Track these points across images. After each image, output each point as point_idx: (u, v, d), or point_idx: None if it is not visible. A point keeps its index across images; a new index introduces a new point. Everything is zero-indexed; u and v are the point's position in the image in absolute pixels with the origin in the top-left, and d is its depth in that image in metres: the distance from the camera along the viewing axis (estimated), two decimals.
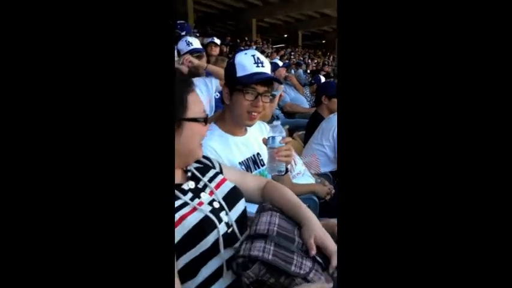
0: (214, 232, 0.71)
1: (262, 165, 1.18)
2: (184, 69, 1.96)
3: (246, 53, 1.13)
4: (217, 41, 3.61)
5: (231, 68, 1.11)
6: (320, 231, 0.74)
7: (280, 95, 2.83)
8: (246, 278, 0.66)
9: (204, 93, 1.83)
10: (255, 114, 1.10)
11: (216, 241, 0.71)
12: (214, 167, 0.89)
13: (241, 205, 0.82)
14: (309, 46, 18.38)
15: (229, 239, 0.74)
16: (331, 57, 15.30)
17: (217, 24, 14.67)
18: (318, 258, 0.71)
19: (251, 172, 1.14)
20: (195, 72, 2.07)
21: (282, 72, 3.85)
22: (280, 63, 4.08)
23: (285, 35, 17.85)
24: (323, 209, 1.37)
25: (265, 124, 1.29)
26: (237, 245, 0.73)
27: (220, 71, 1.89)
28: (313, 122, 2.32)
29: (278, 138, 0.99)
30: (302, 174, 1.49)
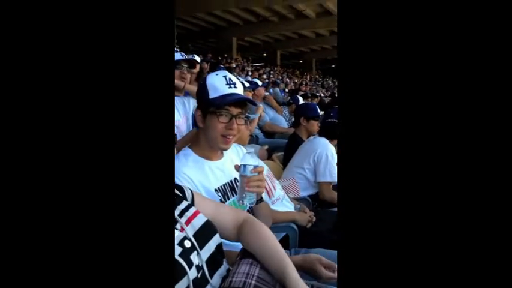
0: (184, 279, 0.64)
1: None
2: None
3: (217, 74, 1.09)
4: (198, 58, 3.58)
5: (202, 90, 1.07)
6: None
7: (260, 115, 2.82)
8: None
9: (181, 113, 1.77)
10: (230, 137, 1.06)
11: None
12: (186, 198, 0.82)
13: (213, 242, 0.75)
14: (287, 65, 18.85)
15: (199, 284, 0.67)
16: (308, 76, 15.74)
17: (198, 41, 14.77)
18: None
19: (228, 199, 1.08)
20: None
21: (262, 91, 3.86)
22: (260, 83, 4.10)
23: (264, 54, 18.23)
24: (303, 237, 1.33)
25: (242, 147, 1.25)
26: None
27: None
28: (292, 143, 2.30)
29: (249, 168, 0.94)
30: (281, 200, 1.45)
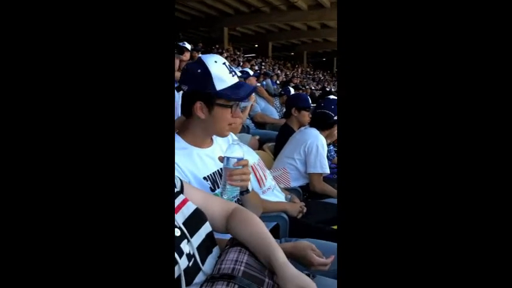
0: (175, 269, 0.62)
1: None
2: None
3: (216, 62, 1.03)
4: (188, 46, 3.50)
5: (205, 81, 1.00)
6: (296, 282, 0.65)
7: (252, 105, 2.79)
8: None
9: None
10: (236, 124, 1.06)
11: (178, 279, 0.62)
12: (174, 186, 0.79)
13: (203, 230, 0.72)
14: (279, 57, 18.77)
15: (191, 272, 0.65)
16: (300, 69, 15.71)
17: (188, 30, 14.52)
18: None
19: (218, 187, 1.06)
20: None
21: (253, 81, 3.82)
22: (251, 72, 4.06)
23: (256, 45, 18.09)
24: (293, 227, 1.32)
25: (232, 134, 1.22)
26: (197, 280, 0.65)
27: None
28: (283, 134, 2.29)
29: (232, 160, 0.92)
30: (272, 189, 1.43)
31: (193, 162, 1.03)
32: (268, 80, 6.44)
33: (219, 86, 1.00)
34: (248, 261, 0.67)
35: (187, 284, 0.63)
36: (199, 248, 0.68)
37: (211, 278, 0.63)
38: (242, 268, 0.65)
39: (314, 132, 1.90)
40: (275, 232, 1.26)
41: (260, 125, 3.71)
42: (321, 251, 0.89)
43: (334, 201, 1.70)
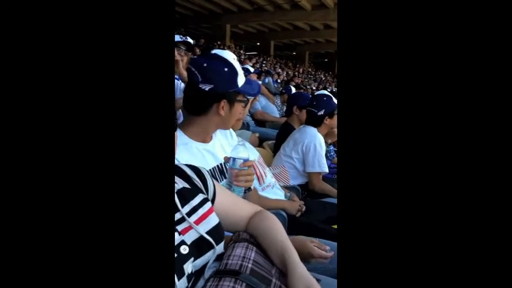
0: None
1: None
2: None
3: (234, 58, 1.04)
4: (191, 40, 3.47)
5: (233, 80, 1.00)
6: (305, 282, 0.63)
7: (254, 99, 2.78)
8: None
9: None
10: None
11: None
12: (203, 191, 0.72)
13: (211, 253, 0.65)
14: (280, 56, 18.73)
15: None
16: (301, 69, 15.70)
17: (190, 26, 14.46)
18: None
19: (219, 182, 1.04)
20: None
21: (254, 78, 3.81)
22: (252, 69, 4.04)
23: (258, 43, 18.05)
24: (292, 225, 1.30)
25: (231, 130, 1.21)
26: (200, 283, 0.62)
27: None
28: (284, 132, 2.27)
29: (239, 161, 0.92)
30: (272, 187, 1.42)
31: (194, 157, 1.01)
32: (270, 78, 6.43)
33: (240, 82, 1.01)
34: (256, 258, 0.65)
35: None
36: (199, 270, 0.63)
37: (218, 273, 0.60)
38: (250, 265, 0.62)
39: (312, 131, 1.88)
40: None
41: (260, 122, 3.70)
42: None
43: (333, 200, 1.68)
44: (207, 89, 0.97)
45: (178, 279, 0.57)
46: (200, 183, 0.73)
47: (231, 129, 1.19)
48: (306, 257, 0.85)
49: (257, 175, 1.35)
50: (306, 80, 12.68)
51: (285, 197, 1.46)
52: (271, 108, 4.01)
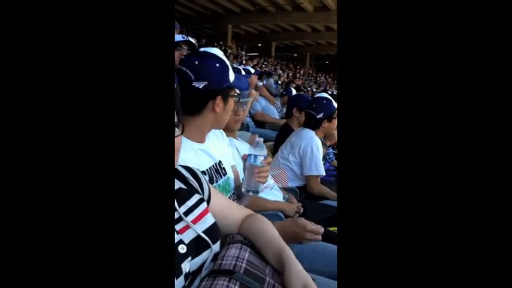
0: None
1: (225, 174, 1.10)
2: None
3: (222, 54, 1.06)
4: (193, 40, 3.48)
5: (225, 75, 1.00)
6: (301, 279, 0.64)
7: (253, 100, 2.78)
8: None
9: None
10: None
11: None
12: (198, 191, 0.73)
13: (208, 252, 0.66)
14: (281, 58, 18.75)
15: None
16: (302, 71, 15.71)
17: (191, 26, 14.47)
18: None
19: (215, 182, 1.05)
20: None
21: (254, 79, 3.81)
22: (253, 70, 4.04)
23: (259, 44, 18.06)
24: None
25: (222, 131, 1.21)
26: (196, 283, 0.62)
27: None
28: (283, 133, 2.28)
29: (260, 158, 0.98)
30: (270, 188, 1.42)
31: (191, 156, 1.02)
32: (271, 80, 6.43)
33: (231, 77, 1.01)
34: (249, 258, 0.66)
35: None
36: (197, 269, 0.64)
37: (212, 273, 0.61)
38: (244, 265, 0.63)
39: (309, 134, 1.88)
40: None
41: (260, 124, 3.70)
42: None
43: (331, 202, 1.69)
44: (201, 87, 0.97)
45: (176, 278, 0.58)
46: (196, 183, 0.74)
47: (221, 130, 1.20)
48: (298, 239, 0.88)
49: None
50: (307, 82, 12.69)
51: (283, 199, 1.47)
52: (271, 109, 4.01)
